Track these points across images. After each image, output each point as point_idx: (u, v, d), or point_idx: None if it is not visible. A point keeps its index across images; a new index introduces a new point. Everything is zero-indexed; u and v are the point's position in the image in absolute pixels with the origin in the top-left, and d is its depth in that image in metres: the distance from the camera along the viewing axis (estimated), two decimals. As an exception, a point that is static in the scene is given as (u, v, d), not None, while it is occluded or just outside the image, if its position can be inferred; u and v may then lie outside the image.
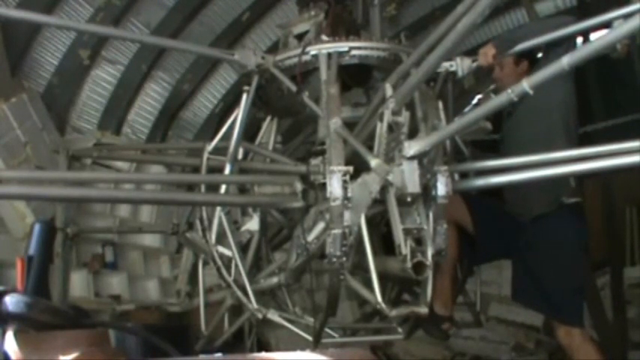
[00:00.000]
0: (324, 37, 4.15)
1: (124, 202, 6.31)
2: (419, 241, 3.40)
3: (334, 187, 3.31)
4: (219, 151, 4.28)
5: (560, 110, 4.00)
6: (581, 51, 2.83)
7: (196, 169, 4.53)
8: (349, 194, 3.31)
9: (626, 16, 3.49)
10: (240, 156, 4.25)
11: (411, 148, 3.39)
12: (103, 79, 6.60)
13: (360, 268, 3.82)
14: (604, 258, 7.17)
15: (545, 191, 3.95)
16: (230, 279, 4.12)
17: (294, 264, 3.99)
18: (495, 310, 7.26)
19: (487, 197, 4.33)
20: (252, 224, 4.27)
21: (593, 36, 4.07)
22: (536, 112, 3.93)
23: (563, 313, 3.99)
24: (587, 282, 6.55)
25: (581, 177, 4.18)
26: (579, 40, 4.26)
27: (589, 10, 6.46)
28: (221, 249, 4.14)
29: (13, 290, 3.54)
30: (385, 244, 4.07)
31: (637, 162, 3.20)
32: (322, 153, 3.73)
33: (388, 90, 3.58)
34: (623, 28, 2.75)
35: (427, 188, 3.48)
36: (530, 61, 4.16)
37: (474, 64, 4.11)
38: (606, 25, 3.83)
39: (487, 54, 3.97)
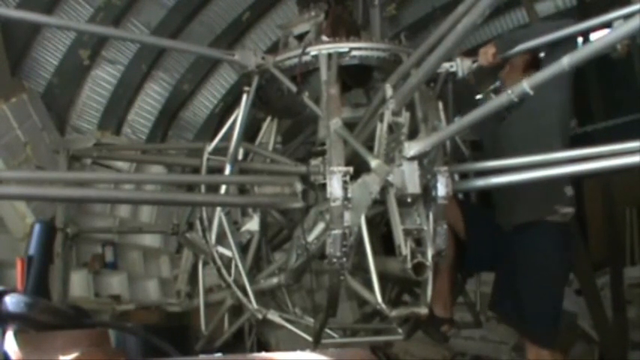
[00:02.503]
0: (324, 38, 4.15)
1: (124, 203, 6.32)
2: (419, 242, 3.40)
3: (334, 188, 3.31)
4: (220, 151, 4.28)
5: (554, 112, 3.95)
6: (582, 51, 2.83)
7: (196, 170, 4.52)
8: (349, 195, 3.31)
9: (627, 17, 3.49)
10: (240, 156, 4.24)
11: (411, 148, 3.39)
12: (103, 79, 6.61)
13: (360, 269, 3.81)
14: (604, 258, 7.18)
15: (533, 200, 3.84)
16: (230, 279, 4.11)
17: (294, 264, 3.99)
18: (495, 310, 7.25)
19: (484, 207, 4.28)
20: (252, 225, 4.27)
21: (593, 36, 4.07)
22: (530, 113, 3.88)
23: (535, 334, 3.88)
24: (587, 282, 6.57)
25: (581, 180, 4.16)
26: (579, 40, 4.26)
27: (589, 10, 6.46)
28: (221, 249, 4.14)
29: (13, 290, 3.54)
30: (385, 245, 4.07)
31: (637, 162, 3.21)
32: (322, 153, 3.73)
33: (388, 90, 3.57)
34: (623, 29, 2.75)
35: (427, 189, 3.48)
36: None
37: (474, 65, 4.11)
38: (606, 25, 3.82)
39: (487, 53, 3.97)
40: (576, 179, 4.07)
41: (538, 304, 3.85)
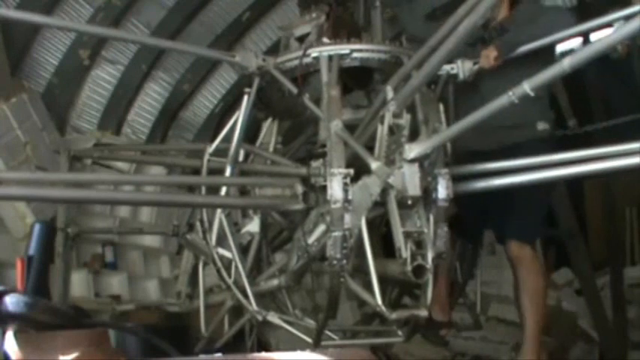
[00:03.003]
0: (325, 40, 4.15)
1: (124, 204, 6.30)
2: (419, 244, 3.41)
3: (335, 190, 3.32)
4: (220, 152, 4.28)
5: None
6: (582, 52, 2.84)
7: (197, 171, 4.53)
8: (350, 197, 3.32)
9: (627, 18, 3.50)
10: (240, 158, 4.25)
11: (412, 150, 3.40)
12: (103, 79, 6.59)
13: (360, 271, 3.81)
14: (604, 258, 7.19)
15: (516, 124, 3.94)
16: (230, 281, 4.11)
17: (295, 266, 3.98)
18: (495, 310, 7.26)
19: None
20: (253, 226, 4.26)
21: (593, 37, 4.08)
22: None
23: (521, 231, 4.03)
24: (587, 282, 6.58)
25: (581, 180, 4.18)
26: (579, 40, 4.27)
27: (589, 10, 6.45)
28: (221, 251, 4.14)
29: (13, 290, 3.54)
30: (385, 247, 4.07)
31: (637, 163, 3.21)
32: (323, 155, 3.73)
33: (389, 92, 3.58)
34: (623, 30, 2.76)
35: (428, 191, 3.49)
36: None
37: (475, 67, 4.11)
38: (606, 25, 3.83)
39: (489, 56, 3.96)
40: (576, 179, 4.08)
41: (524, 202, 3.97)
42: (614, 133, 7.21)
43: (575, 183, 6.72)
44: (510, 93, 3.02)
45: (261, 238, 4.33)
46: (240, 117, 4.16)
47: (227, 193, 4.12)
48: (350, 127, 3.75)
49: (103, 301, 6.01)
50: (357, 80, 4.37)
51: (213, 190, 4.22)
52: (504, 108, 3.62)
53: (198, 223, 4.30)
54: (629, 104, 7.33)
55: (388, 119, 3.45)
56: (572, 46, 4.52)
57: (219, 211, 4.15)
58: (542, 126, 4.10)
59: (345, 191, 3.31)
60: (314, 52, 4.03)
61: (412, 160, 3.40)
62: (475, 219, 4.27)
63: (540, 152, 4.02)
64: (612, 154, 3.43)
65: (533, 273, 4.01)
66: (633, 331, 6.63)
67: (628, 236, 7.90)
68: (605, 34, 3.38)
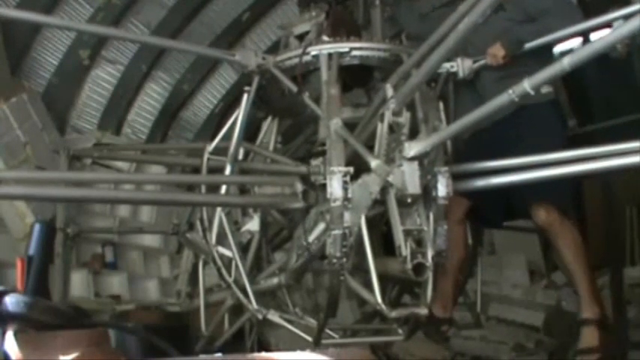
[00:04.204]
0: (324, 38, 4.16)
1: (124, 203, 6.30)
2: (419, 242, 3.40)
3: (334, 188, 3.32)
4: (220, 151, 4.28)
5: None
6: (582, 51, 2.83)
7: (196, 170, 4.53)
8: (349, 195, 3.32)
9: (627, 17, 3.50)
10: (240, 156, 4.25)
11: (412, 148, 3.40)
12: (103, 79, 6.60)
13: (360, 269, 3.81)
14: (604, 258, 7.17)
15: None
16: (230, 279, 4.12)
17: (295, 265, 3.99)
18: (495, 310, 7.25)
19: None
20: (253, 225, 4.27)
21: (593, 36, 4.08)
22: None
23: (542, 192, 3.89)
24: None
25: (582, 176, 4.15)
26: (579, 40, 4.27)
27: (589, 10, 6.46)
28: (221, 249, 4.14)
29: (13, 290, 3.54)
30: (385, 245, 4.07)
31: (637, 162, 3.21)
32: (323, 153, 3.73)
33: (389, 90, 3.58)
34: (623, 29, 2.75)
35: (427, 189, 3.49)
36: None
37: (475, 65, 4.11)
38: (606, 25, 3.83)
39: (497, 55, 3.98)
40: (576, 178, 4.07)
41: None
42: (614, 133, 7.21)
43: (575, 182, 6.70)
44: (510, 91, 3.01)
45: (261, 237, 4.33)
46: (239, 115, 4.17)
47: (227, 192, 4.13)
48: (350, 126, 3.75)
49: (103, 301, 6.02)
50: (356, 78, 4.37)
51: (213, 188, 4.22)
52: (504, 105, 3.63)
53: (198, 222, 4.31)
54: (629, 104, 7.33)
55: (388, 117, 3.45)
56: (571, 46, 4.53)
57: (219, 209, 4.15)
58: (545, 89, 4.07)
59: (345, 189, 3.31)
60: (313, 50, 4.05)
61: (412, 159, 3.40)
62: (493, 201, 4.19)
63: (546, 113, 4.08)
64: (612, 153, 3.42)
65: (567, 232, 3.97)
66: (633, 331, 6.61)
67: (628, 236, 7.87)
68: (605, 33, 3.38)
